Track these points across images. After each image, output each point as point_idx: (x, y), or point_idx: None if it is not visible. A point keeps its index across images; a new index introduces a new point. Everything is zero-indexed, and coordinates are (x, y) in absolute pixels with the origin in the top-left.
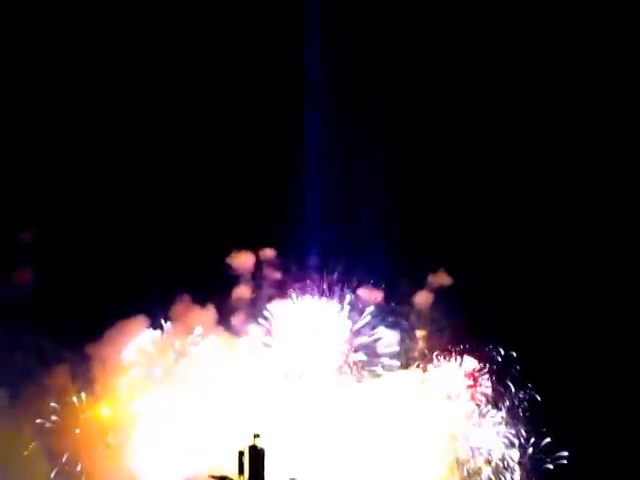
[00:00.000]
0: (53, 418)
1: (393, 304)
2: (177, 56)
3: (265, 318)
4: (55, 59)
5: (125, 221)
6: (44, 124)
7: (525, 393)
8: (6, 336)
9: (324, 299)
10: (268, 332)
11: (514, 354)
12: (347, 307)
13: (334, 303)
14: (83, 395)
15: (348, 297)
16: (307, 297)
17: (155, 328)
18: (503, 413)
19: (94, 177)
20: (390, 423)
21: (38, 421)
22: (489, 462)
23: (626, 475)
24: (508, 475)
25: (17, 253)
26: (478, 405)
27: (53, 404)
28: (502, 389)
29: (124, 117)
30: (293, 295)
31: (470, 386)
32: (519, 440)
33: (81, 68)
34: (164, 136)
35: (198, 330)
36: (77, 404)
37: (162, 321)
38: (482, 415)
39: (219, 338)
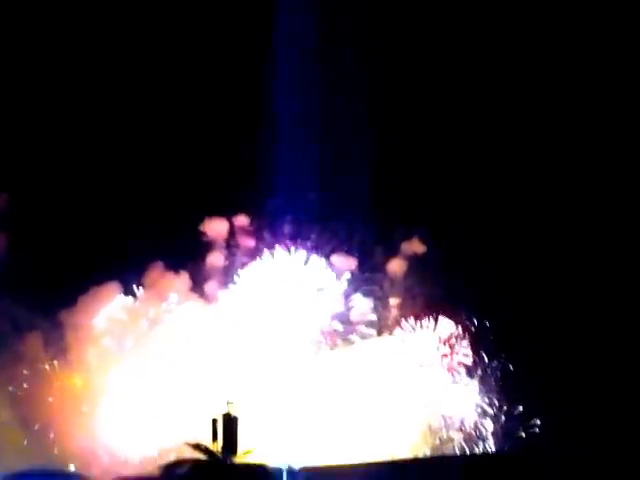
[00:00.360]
0: (25, 386)
1: (367, 273)
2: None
3: (238, 285)
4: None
5: (98, 187)
6: (14, 93)
7: (498, 362)
8: None
9: (301, 252)
10: (241, 299)
11: (487, 323)
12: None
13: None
14: (56, 363)
15: (322, 263)
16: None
17: (128, 294)
18: (476, 382)
19: (66, 144)
20: (363, 391)
21: (10, 389)
22: (461, 430)
23: (598, 443)
24: (480, 443)
25: None
26: (452, 375)
27: (25, 372)
28: (476, 358)
29: (94, 87)
30: (266, 254)
31: (446, 354)
32: (492, 409)
33: (49, 48)
34: (134, 104)
35: (173, 297)
36: (50, 372)
37: (135, 288)
38: (455, 383)
39: (193, 305)
